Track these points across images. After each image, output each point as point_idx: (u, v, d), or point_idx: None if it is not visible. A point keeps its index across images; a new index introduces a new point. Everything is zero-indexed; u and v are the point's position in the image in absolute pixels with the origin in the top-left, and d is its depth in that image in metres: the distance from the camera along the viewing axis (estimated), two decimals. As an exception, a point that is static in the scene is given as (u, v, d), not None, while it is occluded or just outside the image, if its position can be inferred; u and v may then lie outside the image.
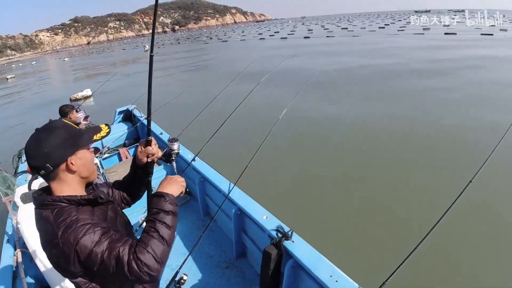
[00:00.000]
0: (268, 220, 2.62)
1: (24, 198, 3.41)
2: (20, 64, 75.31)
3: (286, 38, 43.55)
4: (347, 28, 53.81)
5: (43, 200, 1.32)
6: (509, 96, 9.86)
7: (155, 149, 1.76)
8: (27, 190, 3.63)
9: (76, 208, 1.31)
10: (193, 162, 3.72)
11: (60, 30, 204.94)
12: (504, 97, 9.75)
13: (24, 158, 5.18)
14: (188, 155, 4.02)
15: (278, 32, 59.67)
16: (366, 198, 5.24)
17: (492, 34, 32.07)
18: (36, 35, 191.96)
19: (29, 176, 4.37)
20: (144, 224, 1.52)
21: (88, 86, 16.65)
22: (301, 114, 8.54)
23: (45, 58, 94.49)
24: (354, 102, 9.83)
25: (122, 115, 6.53)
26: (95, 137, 1.46)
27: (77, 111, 4.98)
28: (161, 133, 5.10)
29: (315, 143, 7.37)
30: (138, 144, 5.49)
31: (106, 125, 1.56)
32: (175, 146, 1.95)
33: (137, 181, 1.81)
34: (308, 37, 42.55)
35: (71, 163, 1.32)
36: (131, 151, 5.51)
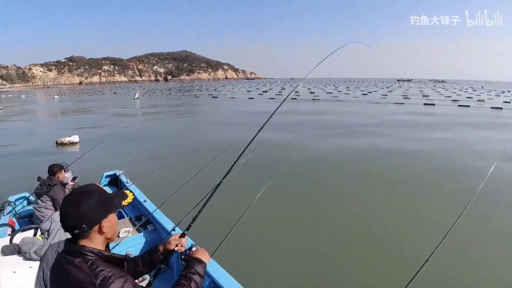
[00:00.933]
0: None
1: (5, 251, 3.51)
2: (10, 96, 75.08)
3: (274, 98, 44.84)
4: (331, 93, 55.98)
5: (79, 249, 1.45)
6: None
7: (184, 243, 2.06)
8: (7, 243, 3.74)
9: (105, 264, 1.47)
10: (172, 232, 3.88)
11: (54, 67, 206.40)
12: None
13: (6, 210, 5.27)
14: (168, 224, 4.20)
15: (266, 91, 61.37)
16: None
17: (469, 106, 33.85)
18: (30, 69, 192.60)
19: (9, 229, 4.47)
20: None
21: (75, 126, 16.67)
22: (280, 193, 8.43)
23: (35, 93, 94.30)
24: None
25: (109, 179, 6.67)
26: (123, 203, 1.65)
27: (65, 171, 5.16)
28: (145, 201, 5.23)
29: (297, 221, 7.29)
30: (120, 210, 5.64)
31: (131, 191, 1.77)
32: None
33: (149, 262, 2.00)
34: (295, 98, 43.87)
35: (103, 225, 1.49)
36: (113, 216, 5.58)
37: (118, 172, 6.52)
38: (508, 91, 72.95)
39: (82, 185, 1.59)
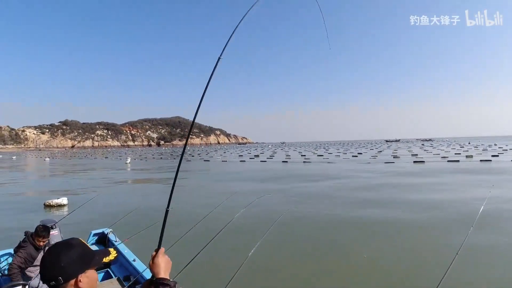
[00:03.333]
0: None
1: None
2: (0, 156, 74.72)
3: (265, 161, 45.24)
4: (322, 156, 56.62)
5: None
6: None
7: None
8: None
9: None
10: None
11: (47, 130, 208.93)
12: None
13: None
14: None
15: (258, 156, 62.08)
16: None
17: (458, 161, 34.49)
18: (23, 130, 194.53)
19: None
20: None
21: (64, 189, 16.57)
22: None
23: (26, 155, 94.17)
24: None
25: (97, 237, 6.49)
26: (104, 259, 1.60)
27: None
28: (134, 260, 5.08)
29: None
30: (107, 269, 5.41)
31: (114, 249, 1.74)
32: None
33: None
34: (286, 161, 44.40)
35: (80, 280, 1.43)
36: (100, 275, 5.38)
37: (106, 231, 6.36)
38: (495, 144, 75.03)
39: (65, 239, 1.57)
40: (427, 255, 7.51)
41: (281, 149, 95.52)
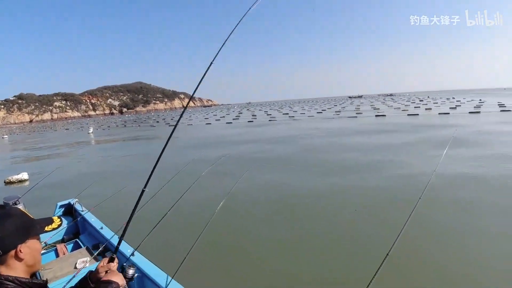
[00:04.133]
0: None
1: None
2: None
3: (231, 123, 45.10)
4: (288, 114, 56.94)
5: None
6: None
7: (115, 268, 1.96)
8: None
9: None
10: (132, 257, 3.74)
11: (2, 106, 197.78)
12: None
13: None
14: (127, 249, 4.04)
15: (224, 117, 61.71)
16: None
17: (417, 114, 35.78)
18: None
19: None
20: None
21: (26, 168, 16.01)
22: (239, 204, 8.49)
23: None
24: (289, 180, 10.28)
25: (63, 209, 6.36)
26: (46, 228, 1.56)
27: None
28: (101, 228, 5.02)
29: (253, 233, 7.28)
30: (76, 240, 5.39)
31: (58, 217, 1.68)
32: (131, 271, 2.16)
33: None
34: (252, 121, 44.47)
35: (20, 250, 1.39)
36: (69, 246, 5.32)
37: (72, 201, 6.23)
38: (453, 98, 77.96)
39: (1, 210, 1.50)
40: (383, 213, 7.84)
41: (247, 110, 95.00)
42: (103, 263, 1.94)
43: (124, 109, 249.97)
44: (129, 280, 2.13)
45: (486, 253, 5.56)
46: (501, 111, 34.46)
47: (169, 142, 2.72)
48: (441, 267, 5.12)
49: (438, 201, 7.71)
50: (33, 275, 1.55)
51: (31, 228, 1.48)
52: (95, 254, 4.50)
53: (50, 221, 1.61)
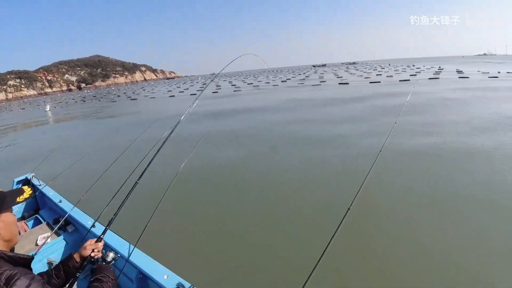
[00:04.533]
0: (169, 279, 2.63)
1: None
2: None
3: (195, 94, 44.50)
4: (252, 84, 56.74)
5: None
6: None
7: (101, 248, 2.05)
8: None
9: (9, 264, 1.32)
10: (93, 228, 3.64)
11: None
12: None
13: None
14: (88, 221, 3.91)
15: (187, 89, 60.65)
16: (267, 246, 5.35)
17: (379, 82, 36.70)
18: None
19: None
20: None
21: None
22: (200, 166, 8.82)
23: None
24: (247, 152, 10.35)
25: (21, 184, 6.07)
26: (18, 199, 1.51)
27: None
28: (60, 201, 4.82)
29: (216, 193, 7.55)
30: (36, 216, 5.21)
31: (29, 187, 1.59)
32: (110, 255, 2.24)
33: (64, 272, 1.88)
34: (216, 92, 44.06)
35: None
36: (30, 223, 5.10)
37: (29, 176, 5.95)
38: (413, 65, 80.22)
39: None
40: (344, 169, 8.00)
41: (211, 81, 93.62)
42: (91, 242, 2.02)
43: (83, 85, 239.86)
44: (108, 263, 2.21)
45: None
46: (459, 77, 35.67)
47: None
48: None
49: (392, 164, 8.10)
50: (12, 250, 1.48)
51: (2, 201, 1.42)
52: (56, 228, 4.35)
53: (21, 191, 1.55)
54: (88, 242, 1.99)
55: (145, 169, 3.13)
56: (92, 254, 1.95)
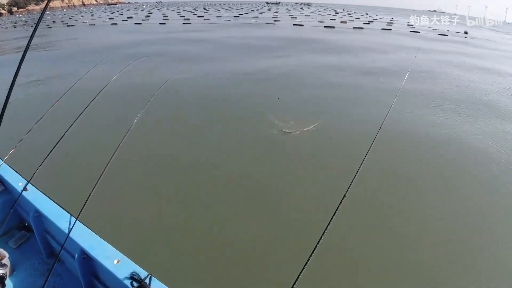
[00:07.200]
0: (120, 265, 2.18)
1: None
2: None
3: (140, 23, 41.46)
4: (203, 17, 53.82)
5: None
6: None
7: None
8: None
9: None
10: (24, 192, 2.97)
11: None
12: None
13: None
14: (19, 182, 3.25)
15: (131, 17, 56.37)
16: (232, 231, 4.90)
17: (333, 27, 36.37)
18: None
19: None
20: None
21: None
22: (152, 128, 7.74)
23: None
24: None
25: None
26: None
27: None
28: None
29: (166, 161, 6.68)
30: None
31: None
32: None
33: None
34: (164, 23, 41.49)
35: None
36: None
37: None
38: (366, 13, 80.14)
39: None
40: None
41: (158, 10, 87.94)
42: None
43: (14, 9, 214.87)
44: None
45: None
46: (410, 31, 36.08)
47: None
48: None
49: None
50: None
51: None
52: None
53: None
54: None
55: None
56: None
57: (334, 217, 2.01)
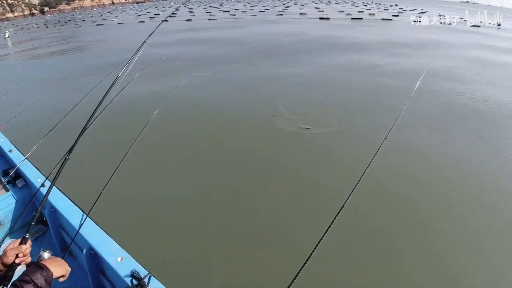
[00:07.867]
0: (123, 262, 2.27)
1: None
2: None
3: (167, 21, 42.12)
4: (228, 12, 54.01)
5: None
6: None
7: (28, 251, 1.50)
8: None
9: None
10: (42, 188, 3.14)
11: None
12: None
13: None
14: (38, 178, 3.43)
15: (158, 14, 57.29)
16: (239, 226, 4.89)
17: (361, 19, 35.97)
18: None
19: None
20: None
21: None
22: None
23: None
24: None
25: None
26: None
27: None
28: (11, 150, 4.26)
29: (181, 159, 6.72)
30: None
31: None
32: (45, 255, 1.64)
33: None
34: (190, 19, 41.94)
35: None
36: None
37: None
38: (396, 5, 78.35)
39: None
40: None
41: (185, 6, 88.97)
42: (13, 245, 1.49)
43: (46, 9, 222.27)
44: None
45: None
46: (440, 23, 34.91)
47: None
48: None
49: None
50: None
51: None
52: (5, 182, 3.89)
53: None
54: (10, 245, 1.48)
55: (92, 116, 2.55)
56: (17, 261, 1.44)
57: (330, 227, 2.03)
